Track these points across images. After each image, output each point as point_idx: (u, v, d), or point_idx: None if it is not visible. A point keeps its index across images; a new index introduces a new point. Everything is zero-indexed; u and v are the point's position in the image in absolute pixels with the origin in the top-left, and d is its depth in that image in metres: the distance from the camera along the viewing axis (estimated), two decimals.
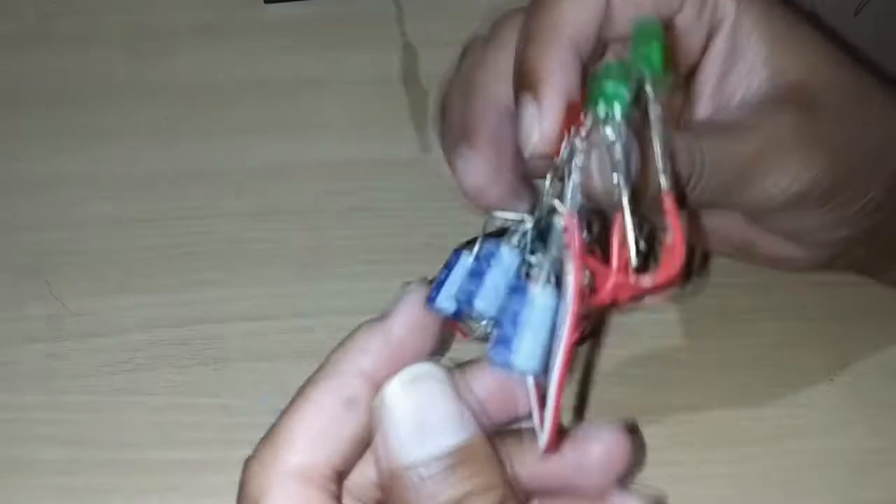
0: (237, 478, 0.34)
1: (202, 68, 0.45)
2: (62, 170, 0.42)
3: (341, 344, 0.25)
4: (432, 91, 0.44)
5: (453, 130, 0.31)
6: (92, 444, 0.35)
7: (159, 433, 0.36)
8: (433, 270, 0.39)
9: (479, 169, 0.29)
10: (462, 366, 0.26)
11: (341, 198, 0.41)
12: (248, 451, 0.35)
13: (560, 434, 0.23)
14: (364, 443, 0.24)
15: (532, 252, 0.25)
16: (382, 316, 0.25)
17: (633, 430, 0.29)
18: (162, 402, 0.36)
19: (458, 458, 0.22)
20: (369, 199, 0.41)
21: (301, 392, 0.24)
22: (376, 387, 0.23)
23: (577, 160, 0.24)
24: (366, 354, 0.24)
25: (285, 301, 0.38)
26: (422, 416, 0.22)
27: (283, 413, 0.24)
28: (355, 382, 0.24)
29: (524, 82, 0.27)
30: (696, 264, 0.38)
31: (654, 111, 0.22)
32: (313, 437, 0.23)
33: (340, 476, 0.24)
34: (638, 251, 0.21)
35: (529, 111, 0.26)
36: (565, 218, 0.23)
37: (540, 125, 0.26)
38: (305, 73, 0.45)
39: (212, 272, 0.39)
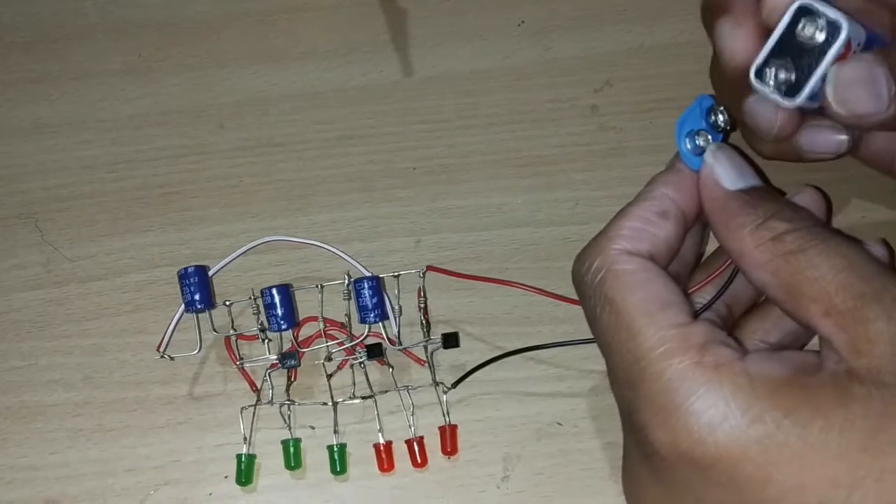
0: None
1: (175, 2, 0.44)
2: (42, 115, 0.42)
3: (649, 182, 0.31)
4: (411, 10, 0.43)
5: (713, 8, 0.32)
6: (100, 386, 0.36)
7: (165, 370, 0.36)
8: (424, 194, 0.39)
9: (740, 36, 0.31)
10: None
11: (326, 126, 0.41)
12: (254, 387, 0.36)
13: None
14: (673, 251, 0.30)
15: None
16: (669, 163, 0.31)
17: None
18: (166, 341, 0.36)
19: (763, 193, 0.29)
20: (354, 127, 0.41)
21: (622, 209, 0.30)
22: (679, 209, 0.30)
23: None
24: (668, 185, 0.30)
25: (278, 233, 0.38)
26: (739, 164, 0.29)
27: (611, 221, 0.30)
28: (666, 201, 0.30)
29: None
30: None
31: None
32: (631, 231, 0.29)
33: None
34: None
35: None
36: None
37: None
38: (280, 1, 0.44)
39: (203, 209, 0.39)
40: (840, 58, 0.28)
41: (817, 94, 0.29)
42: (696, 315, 0.28)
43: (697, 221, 0.31)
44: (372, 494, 0.35)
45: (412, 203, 0.39)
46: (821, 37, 0.28)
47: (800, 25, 0.28)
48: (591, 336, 0.29)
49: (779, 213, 0.27)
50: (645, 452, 0.27)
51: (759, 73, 0.29)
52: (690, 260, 0.33)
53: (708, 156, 0.29)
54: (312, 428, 0.35)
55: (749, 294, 0.33)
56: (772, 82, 0.29)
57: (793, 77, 0.29)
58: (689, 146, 0.30)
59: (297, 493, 0.35)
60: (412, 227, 0.39)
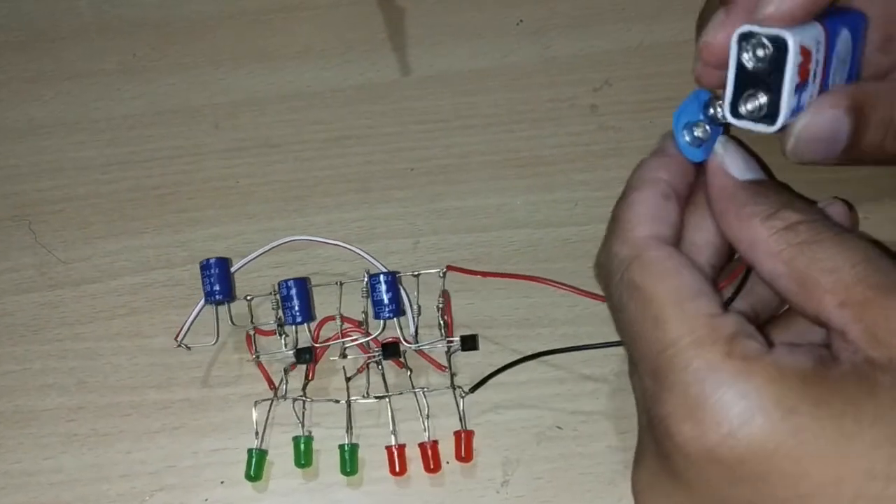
0: (241, 412, 0.35)
1: (170, 1, 0.44)
2: (35, 115, 0.41)
3: (636, 169, 0.30)
4: (409, 9, 0.43)
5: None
6: (94, 390, 0.36)
7: (161, 374, 0.36)
8: (422, 195, 0.39)
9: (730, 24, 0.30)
10: None
11: (323, 126, 0.41)
12: (251, 388, 0.36)
13: None
14: (679, 231, 0.30)
15: None
16: (657, 147, 0.31)
17: None
18: (161, 344, 0.36)
19: (772, 186, 0.28)
20: (352, 127, 0.41)
21: (624, 196, 0.29)
22: (675, 191, 0.29)
23: None
24: (660, 169, 0.30)
25: (276, 235, 0.38)
26: (747, 157, 0.29)
27: (616, 209, 0.29)
28: (664, 184, 0.29)
29: None
30: None
31: None
32: (650, 217, 0.28)
33: None
34: None
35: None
36: None
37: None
38: (277, 0, 0.43)
39: (199, 211, 0.39)
40: (802, 66, 0.28)
41: (797, 108, 0.28)
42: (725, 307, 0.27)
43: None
44: (371, 499, 0.34)
45: (410, 204, 0.39)
46: (772, 56, 0.28)
47: (749, 53, 0.28)
48: (605, 339, 0.28)
49: (790, 204, 0.27)
50: (665, 449, 0.26)
51: (735, 112, 0.29)
52: (725, 252, 0.32)
53: (718, 146, 0.29)
54: (310, 432, 0.35)
55: (777, 300, 0.32)
56: (749, 115, 0.28)
57: (765, 100, 0.28)
58: (687, 138, 0.30)
59: (297, 497, 0.35)
60: (410, 229, 0.38)
